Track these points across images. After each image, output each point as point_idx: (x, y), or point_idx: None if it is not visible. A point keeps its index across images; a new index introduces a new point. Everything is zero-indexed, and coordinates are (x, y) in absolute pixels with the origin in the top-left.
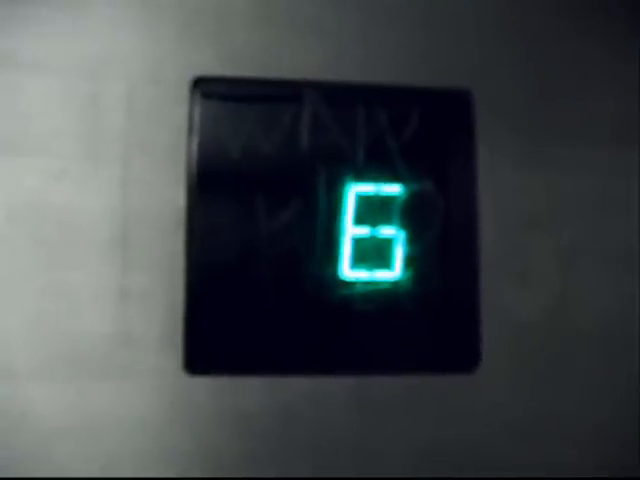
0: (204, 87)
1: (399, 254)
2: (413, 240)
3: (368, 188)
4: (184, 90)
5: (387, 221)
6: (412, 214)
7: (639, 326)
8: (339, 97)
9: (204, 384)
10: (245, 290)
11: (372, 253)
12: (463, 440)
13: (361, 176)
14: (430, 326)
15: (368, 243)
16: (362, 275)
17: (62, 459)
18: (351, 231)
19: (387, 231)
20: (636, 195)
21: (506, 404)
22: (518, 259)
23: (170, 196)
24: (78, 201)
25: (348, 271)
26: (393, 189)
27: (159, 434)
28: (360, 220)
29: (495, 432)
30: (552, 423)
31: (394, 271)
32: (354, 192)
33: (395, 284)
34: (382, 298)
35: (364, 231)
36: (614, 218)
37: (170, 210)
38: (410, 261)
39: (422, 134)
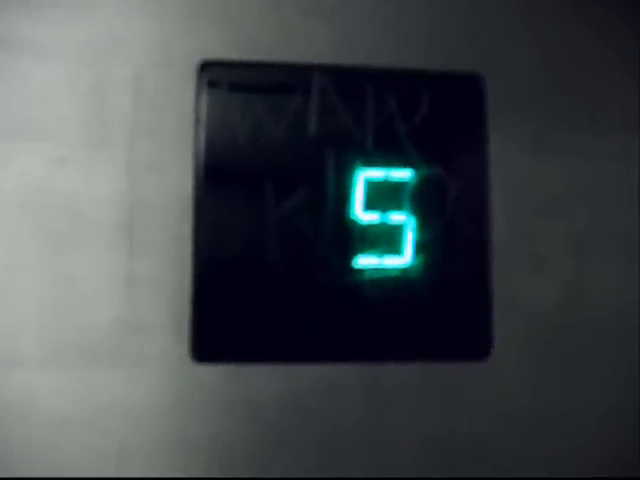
0: (210, 72)
1: (409, 240)
2: (423, 226)
3: (377, 173)
4: (191, 74)
5: (397, 207)
6: (422, 200)
7: None
8: (348, 81)
9: (212, 371)
10: (253, 277)
11: (382, 239)
12: (474, 428)
13: (370, 161)
14: (441, 313)
15: (378, 229)
16: (372, 262)
17: (70, 446)
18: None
19: (397, 217)
20: None
21: (518, 391)
22: (530, 245)
23: (177, 181)
24: (84, 187)
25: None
26: (403, 174)
27: (167, 421)
28: (370, 206)
29: (507, 420)
30: (563, 412)
31: (404, 257)
32: (363, 178)
33: (405, 271)
34: (392, 285)
35: (374, 217)
36: (626, 204)
37: (177, 195)
38: (420, 247)
39: (432, 119)
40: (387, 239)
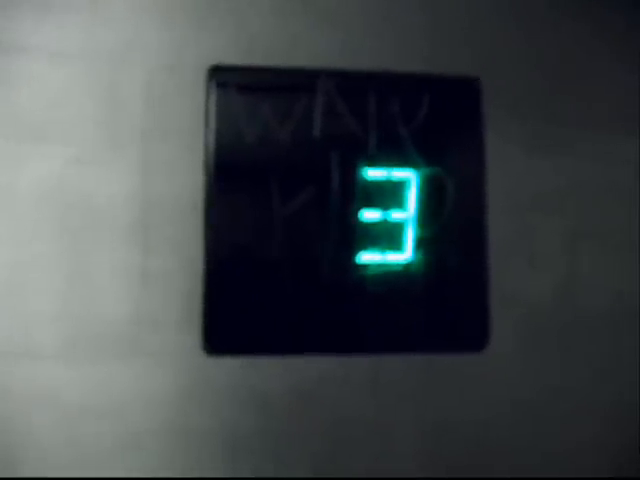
0: (220, 76)
1: (410, 237)
2: (424, 223)
3: (380, 173)
4: (200, 78)
5: (398, 205)
6: (423, 198)
7: None
8: (351, 85)
9: (223, 364)
10: (261, 272)
11: (384, 236)
12: (471, 417)
13: (373, 162)
14: (440, 306)
15: (380, 227)
16: (374, 258)
17: (84, 437)
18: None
19: (398, 215)
20: None
21: (513, 381)
22: (526, 241)
23: (188, 181)
24: (99, 187)
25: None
26: (404, 174)
27: (179, 412)
28: (372, 204)
29: (502, 409)
30: (558, 403)
31: (405, 254)
32: (366, 177)
33: (406, 266)
34: (393, 280)
35: (376, 215)
36: (620, 201)
37: (188, 194)
38: (420, 244)
39: (432, 121)
40: (388, 236)
